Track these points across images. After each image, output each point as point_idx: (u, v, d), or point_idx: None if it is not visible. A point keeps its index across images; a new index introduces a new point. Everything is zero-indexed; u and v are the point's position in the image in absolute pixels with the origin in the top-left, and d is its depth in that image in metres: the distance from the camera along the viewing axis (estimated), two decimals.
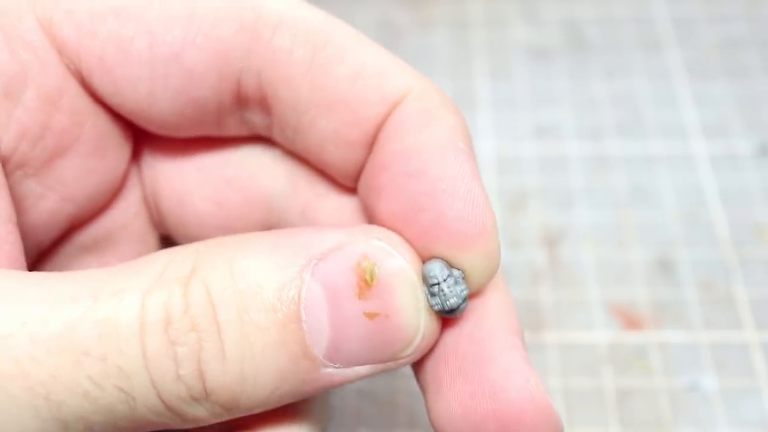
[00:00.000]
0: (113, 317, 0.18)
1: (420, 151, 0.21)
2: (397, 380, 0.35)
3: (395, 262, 0.20)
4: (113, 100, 0.23)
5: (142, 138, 0.26)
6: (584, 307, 0.37)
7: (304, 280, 0.19)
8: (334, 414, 0.35)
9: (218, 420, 0.20)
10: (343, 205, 0.24)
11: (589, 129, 0.45)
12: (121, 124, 0.24)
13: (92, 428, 0.18)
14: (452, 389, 0.20)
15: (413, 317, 0.20)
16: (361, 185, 0.23)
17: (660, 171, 0.43)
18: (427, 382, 0.21)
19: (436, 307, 0.20)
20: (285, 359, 0.19)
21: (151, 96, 0.22)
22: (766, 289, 0.38)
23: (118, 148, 0.25)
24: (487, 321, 0.21)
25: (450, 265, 0.20)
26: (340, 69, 0.22)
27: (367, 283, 0.19)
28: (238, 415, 0.20)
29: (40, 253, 0.25)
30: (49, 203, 0.24)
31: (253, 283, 0.19)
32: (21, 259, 0.21)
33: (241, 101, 0.23)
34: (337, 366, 0.19)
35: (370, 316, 0.19)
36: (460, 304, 0.20)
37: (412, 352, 0.20)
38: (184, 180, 0.25)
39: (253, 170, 0.25)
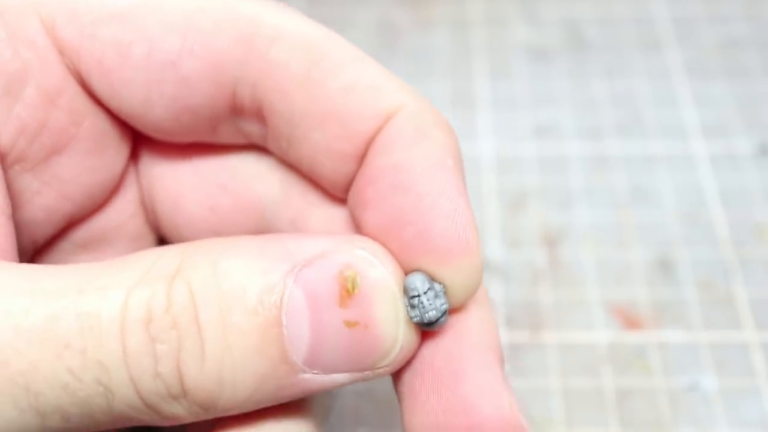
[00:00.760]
0: (96, 312, 0.18)
1: (408, 167, 0.21)
2: None
3: (377, 272, 0.20)
4: (111, 103, 0.23)
5: (140, 140, 0.26)
6: (584, 307, 0.37)
7: (286, 285, 0.19)
8: (334, 405, 0.35)
9: (197, 419, 0.20)
10: (333, 215, 0.24)
11: (589, 129, 0.45)
12: (119, 125, 0.25)
13: (69, 420, 0.18)
14: (426, 403, 0.20)
15: (392, 328, 0.20)
16: (351, 197, 0.23)
17: (660, 171, 0.43)
18: (403, 394, 0.21)
19: (415, 319, 0.20)
20: (264, 363, 0.19)
21: (147, 101, 0.23)
22: (766, 289, 0.38)
23: (116, 148, 0.25)
24: (466, 337, 0.21)
25: (432, 279, 0.20)
26: (335, 82, 0.22)
27: (348, 291, 0.19)
28: (216, 415, 0.20)
29: (36, 251, 0.25)
30: (46, 199, 0.24)
31: (236, 285, 0.19)
32: (12, 252, 0.21)
33: (236, 110, 0.23)
34: (315, 372, 0.19)
35: (350, 324, 0.19)
36: (440, 317, 0.20)
37: (389, 362, 0.20)
38: (178, 183, 0.26)
39: (247, 177, 0.25)
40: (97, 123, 0.24)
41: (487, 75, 0.48)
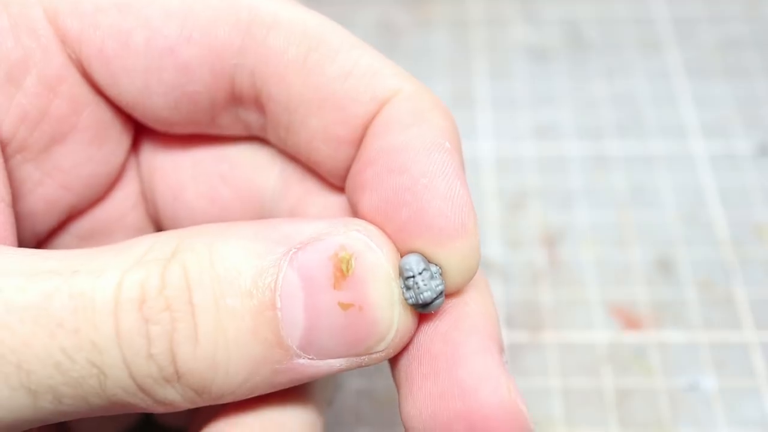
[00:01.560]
0: (90, 292, 0.18)
1: (405, 148, 0.21)
2: None
3: (372, 254, 0.20)
4: (111, 91, 0.23)
5: (141, 132, 0.26)
6: (584, 307, 0.37)
7: (281, 268, 0.19)
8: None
9: (191, 405, 0.20)
10: (332, 204, 0.24)
11: (589, 129, 0.45)
12: (120, 116, 0.25)
13: (61, 401, 0.18)
14: (423, 388, 0.20)
15: (387, 310, 0.20)
16: (348, 183, 0.23)
17: (660, 171, 0.43)
18: (400, 380, 0.21)
19: (410, 301, 0.20)
20: (258, 346, 0.19)
21: (147, 88, 0.23)
22: (766, 289, 0.38)
23: (117, 139, 0.25)
24: (464, 323, 0.21)
25: (428, 261, 0.20)
26: (332, 68, 0.22)
27: (343, 273, 0.19)
28: (211, 401, 0.20)
29: (38, 243, 0.25)
30: (48, 190, 0.24)
31: (231, 268, 0.19)
32: (12, 239, 0.22)
33: (235, 99, 0.23)
34: (310, 357, 0.19)
35: (344, 306, 0.19)
36: (435, 298, 0.20)
37: (385, 347, 0.20)
38: (178, 174, 0.26)
39: (246, 168, 0.25)
40: (97, 112, 0.24)
41: (486, 75, 0.48)
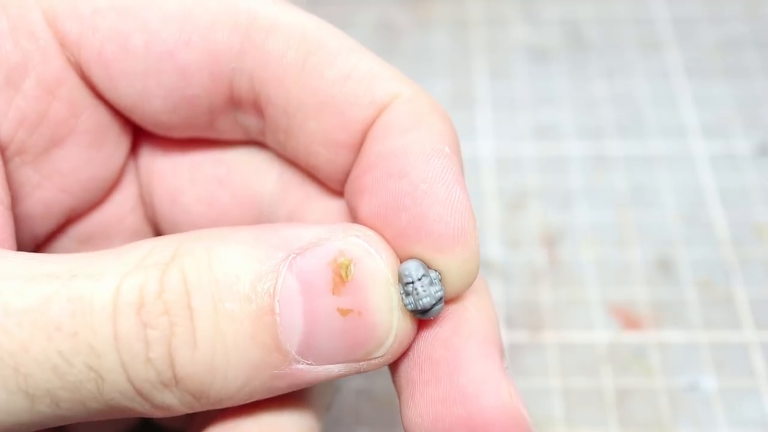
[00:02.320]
0: (88, 295, 0.18)
1: (404, 153, 0.21)
2: None
3: (371, 259, 0.20)
4: (110, 94, 0.23)
5: (140, 135, 0.26)
6: (584, 307, 0.37)
7: (280, 273, 0.19)
8: (335, 401, 0.35)
9: (189, 410, 0.19)
10: (331, 208, 0.24)
11: (589, 129, 0.45)
12: (119, 119, 0.25)
13: (59, 405, 0.18)
14: (425, 394, 0.20)
15: (386, 315, 0.20)
16: (347, 187, 0.23)
17: (660, 171, 0.43)
18: (401, 386, 0.21)
19: (409, 307, 0.20)
20: (256, 351, 0.19)
21: (145, 92, 0.23)
22: (766, 289, 0.38)
23: (116, 142, 0.25)
24: (465, 328, 0.21)
25: (428, 267, 0.20)
26: (331, 71, 0.22)
27: (342, 279, 0.19)
28: (208, 407, 0.20)
29: (36, 246, 0.25)
30: (46, 193, 0.24)
31: (229, 272, 0.19)
32: (11, 242, 0.22)
33: (234, 103, 0.23)
34: (309, 363, 0.19)
35: (343, 312, 0.19)
36: (434, 304, 0.20)
37: (384, 352, 0.20)
38: (176, 178, 0.26)
39: (245, 172, 0.25)
40: (96, 116, 0.24)
41: (486, 75, 0.48)
